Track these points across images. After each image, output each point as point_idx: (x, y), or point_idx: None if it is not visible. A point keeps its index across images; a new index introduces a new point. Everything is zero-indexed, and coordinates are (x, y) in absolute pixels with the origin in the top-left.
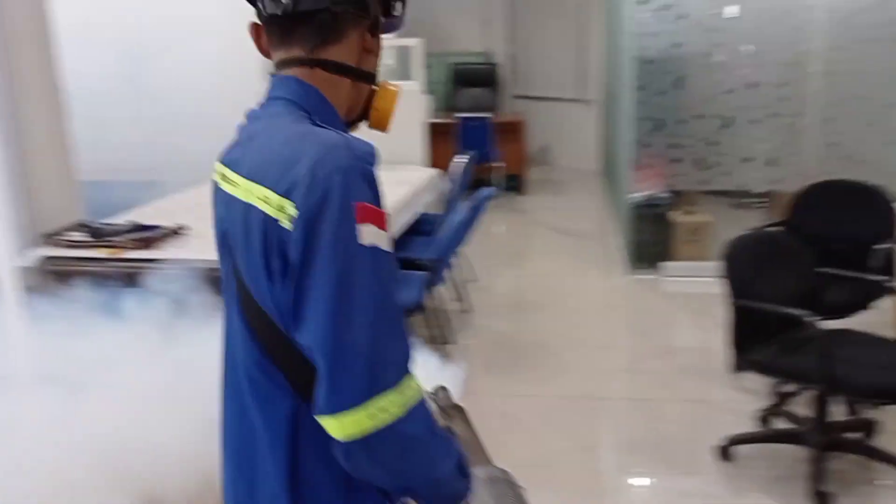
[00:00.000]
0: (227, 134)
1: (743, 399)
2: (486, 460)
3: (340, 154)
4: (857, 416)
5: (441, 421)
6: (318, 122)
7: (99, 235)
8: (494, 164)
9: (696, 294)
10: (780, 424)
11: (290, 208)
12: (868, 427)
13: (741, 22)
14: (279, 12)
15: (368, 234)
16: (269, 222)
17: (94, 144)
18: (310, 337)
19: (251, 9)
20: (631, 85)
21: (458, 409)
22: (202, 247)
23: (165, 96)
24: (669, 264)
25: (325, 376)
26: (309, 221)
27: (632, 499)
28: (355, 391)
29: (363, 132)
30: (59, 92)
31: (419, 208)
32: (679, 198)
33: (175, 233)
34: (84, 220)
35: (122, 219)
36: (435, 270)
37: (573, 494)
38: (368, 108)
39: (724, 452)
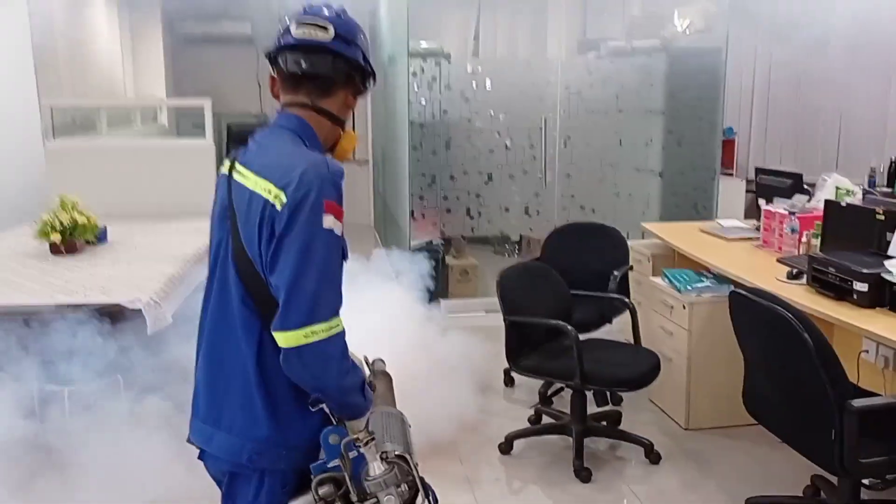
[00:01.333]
0: None
1: (516, 407)
2: (392, 405)
3: (321, 168)
4: (606, 410)
5: (369, 376)
6: (308, 146)
7: None
8: None
9: (470, 326)
10: (548, 421)
11: (283, 197)
12: (615, 416)
13: (495, 94)
14: (298, 72)
15: (328, 222)
16: (266, 205)
17: None
18: (279, 279)
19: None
20: (406, 146)
21: (385, 375)
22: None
23: None
24: (446, 301)
25: (283, 305)
26: (293, 207)
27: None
28: (299, 318)
29: None
30: None
31: None
32: (450, 244)
33: None
34: None
35: None
36: None
37: None
38: (336, 145)
39: (505, 447)
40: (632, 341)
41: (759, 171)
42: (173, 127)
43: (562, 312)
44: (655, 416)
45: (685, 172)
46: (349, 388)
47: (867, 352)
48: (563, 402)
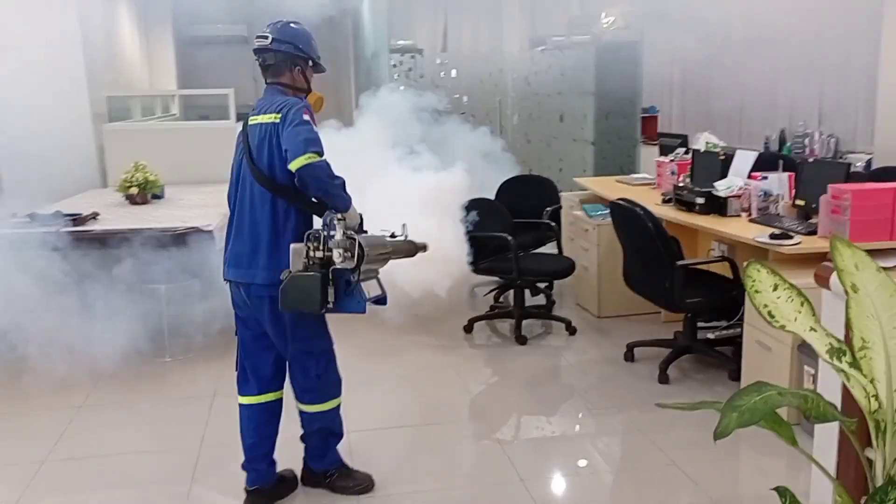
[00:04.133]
0: None
1: (477, 306)
2: (404, 254)
3: (295, 101)
4: (540, 303)
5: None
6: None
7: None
8: None
9: None
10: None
11: (279, 116)
12: (548, 305)
13: (460, 81)
14: (261, 65)
15: (306, 117)
16: (273, 125)
17: None
18: (286, 143)
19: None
20: None
21: (411, 242)
22: (114, 223)
23: None
24: None
25: (291, 151)
26: (285, 116)
27: (417, 357)
28: (302, 150)
29: None
30: None
31: None
32: None
33: (92, 217)
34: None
35: (50, 210)
36: None
37: (368, 354)
38: None
39: (468, 328)
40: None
41: (660, 134)
42: (183, 116)
43: (506, 233)
44: (578, 311)
45: (612, 141)
46: (337, 186)
47: (713, 249)
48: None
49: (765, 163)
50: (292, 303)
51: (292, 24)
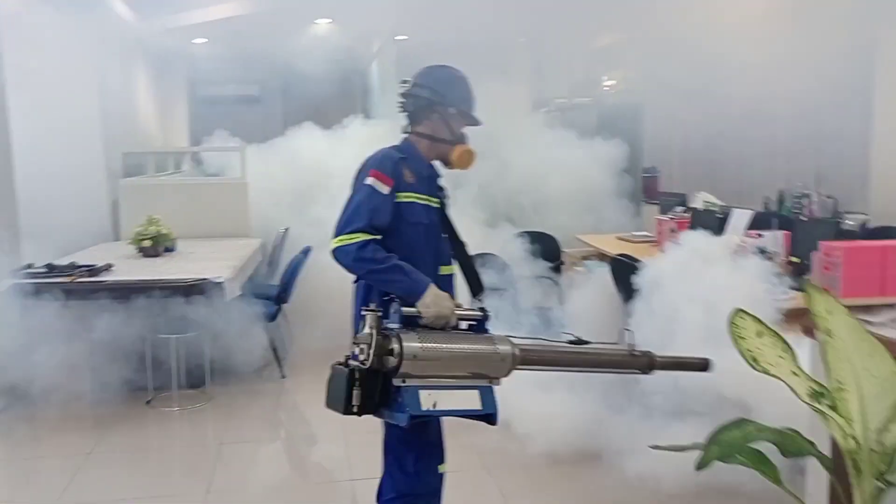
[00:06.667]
0: None
1: None
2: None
3: (381, 153)
4: None
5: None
6: (401, 152)
7: (53, 269)
8: None
9: None
10: None
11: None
12: None
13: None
14: (403, 111)
15: (369, 181)
16: None
17: None
18: None
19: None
20: None
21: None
22: (127, 275)
23: None
24: None
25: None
26: (355, 177)
27: None
28: (339, 231)
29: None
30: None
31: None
32: None
33: (106, 269)
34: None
35: (65, 261)
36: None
37: None
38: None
39: None
40: None
41: (660, 193)
42: (192, 172)
43: None
44: None
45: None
46: (378, 271)
47: None
48: None
49: (761, 221)
50: (329, 400)
51: (438, 67)
